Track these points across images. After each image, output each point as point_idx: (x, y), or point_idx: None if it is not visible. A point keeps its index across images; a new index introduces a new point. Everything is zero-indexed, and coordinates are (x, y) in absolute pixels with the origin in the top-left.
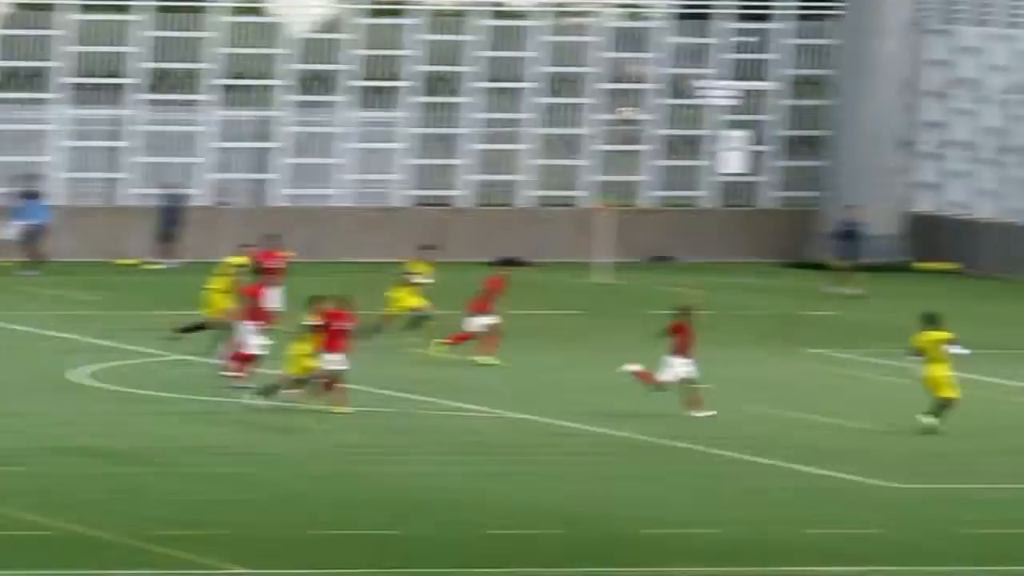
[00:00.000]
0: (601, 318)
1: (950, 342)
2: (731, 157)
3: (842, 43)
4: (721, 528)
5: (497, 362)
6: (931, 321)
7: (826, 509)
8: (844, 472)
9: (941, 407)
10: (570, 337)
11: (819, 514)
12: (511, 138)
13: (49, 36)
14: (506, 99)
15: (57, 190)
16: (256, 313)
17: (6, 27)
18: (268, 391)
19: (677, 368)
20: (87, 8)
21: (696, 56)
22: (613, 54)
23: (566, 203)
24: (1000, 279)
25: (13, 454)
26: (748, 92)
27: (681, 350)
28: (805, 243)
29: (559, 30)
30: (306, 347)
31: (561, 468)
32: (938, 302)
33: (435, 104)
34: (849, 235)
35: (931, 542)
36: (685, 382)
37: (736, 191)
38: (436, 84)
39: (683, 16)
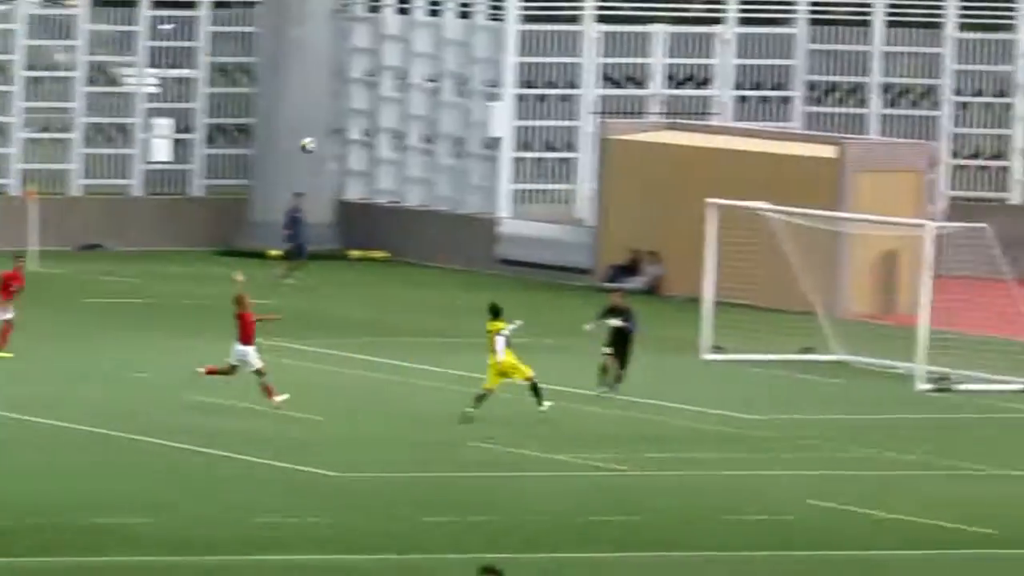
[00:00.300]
0: (32, 307)
1: (500, 332)
2: (158, 145)
3: (263, 30)
4: (164, 516)
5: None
6: (494, 312)
7: (273, 498)
8: (290, 462)
9: (480, 398)
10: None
11: (266, 502)
12: None
13: None
14: None
15: None
16: None
17: None
18: None
19: (249, 358)
20: None
21: (121, 43)
22: (35, 41)
23: None
24: (429, 267)
25: None
26: (173, 80)
27: (245, 339)
28: (236, 231)
29: None
30: None
31: (17, 461)
32: (370, 290)
33: None
34: (294, 223)
35: (371, 527)
36: (257, 371)
37: (165, 179)
38: None
39: (104, 3)
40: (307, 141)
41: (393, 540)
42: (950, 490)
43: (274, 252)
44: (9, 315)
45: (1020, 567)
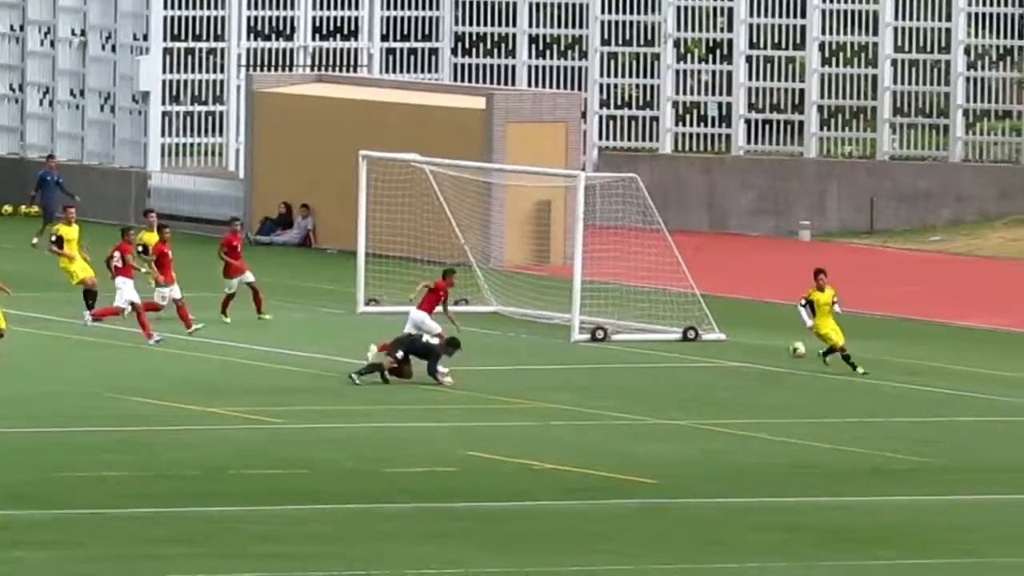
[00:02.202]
0: None
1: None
2: None
3: None
4: None
5: None
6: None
7: None
8: None
9: None
10: None
11: None
12: None
13: None
14: None
15: None
16: None
17: None
18: None
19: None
20: None
21: None
22: None
23: None
24: (81, 221)
25: None
26: None
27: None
28: None
29: None
30: None
31: None
32: (20, 246)
33: None
34: (42, 184)
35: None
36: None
37: None
38: None
39: None
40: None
41: (45, 494)
42: (608, 439)
43: None
44: None
45: (679, 515)
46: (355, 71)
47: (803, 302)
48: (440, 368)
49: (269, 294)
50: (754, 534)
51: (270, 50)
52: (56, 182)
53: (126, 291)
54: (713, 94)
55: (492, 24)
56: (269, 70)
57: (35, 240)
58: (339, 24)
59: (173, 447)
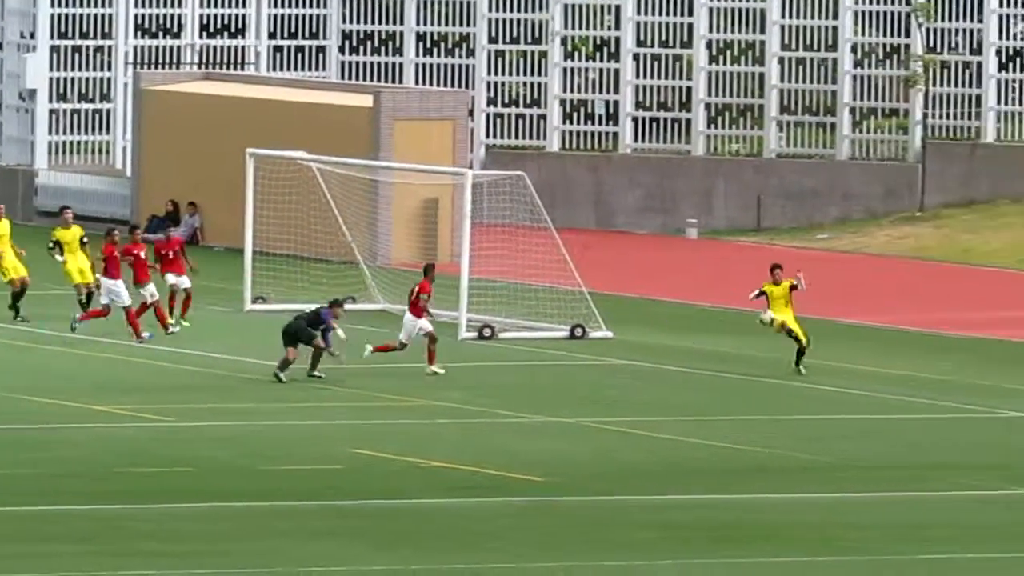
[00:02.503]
0: None
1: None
2: None
3: None
4: None
5: None
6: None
7: None
8: None
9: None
10: None
11: None
12: None
13: None
14: None
15: None
16: None
17: None
18: None
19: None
20: None
21: None
22: None
23: None
24: None
25: None
26: None
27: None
28: None
29: None
30: None
31: None
32: None
33: None
34: None
35: None
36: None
37: None
38: None
39: None
40: None
41: None
42: (495, 437)
43: None
44: None
45: (566, 513)
46: (242, 69)
47: (756, 293)
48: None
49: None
50: (641, 532)
51: (157, 48)
52: None
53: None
54: (600, 92)
55: (379, 22)
56: (156, 68)
57: None
58: (226, 22)
59: (60, 446)
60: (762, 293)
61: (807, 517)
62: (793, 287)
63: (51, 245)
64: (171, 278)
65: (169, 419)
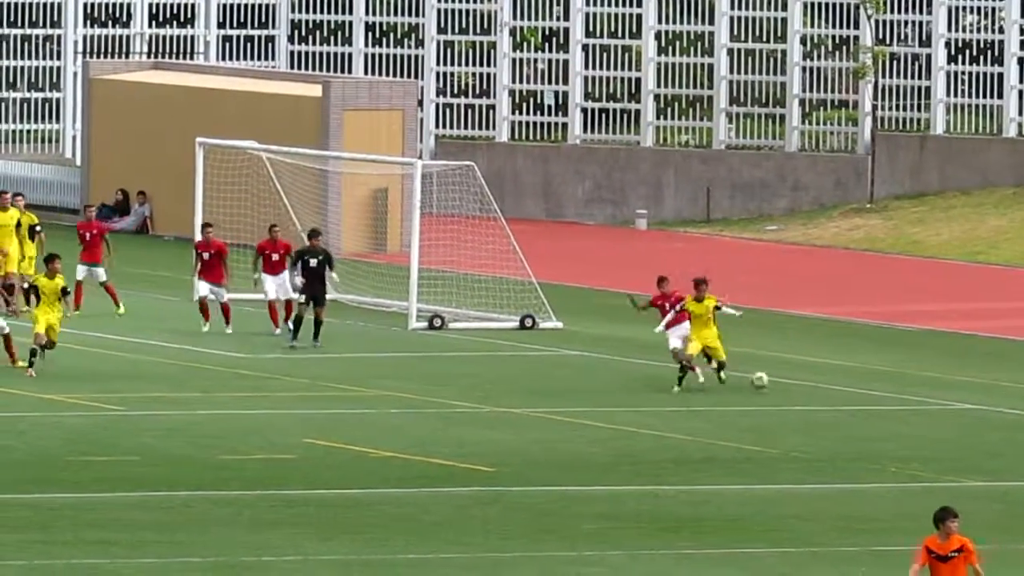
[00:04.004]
0: None
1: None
2: None
3: None
4: None
5: None
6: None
7: None
8: None
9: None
10: None
11: None
12: None
13: None
14: None
15: None
16: None
17: None
18: None
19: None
20: None
21: None
22: None
23: None
24: None
25: None
26: None
27: None
28: None
29: None
30: None
31: None
32: None
33: None
34: None
35: None
36: None
37: None
38: None
39: None
40: None
41: None
42: (445, 427)
43: None
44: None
45: (514, 503)
46: (192, 58)
47: (679, 308)
48: None
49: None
50: (590, 522)
51: (106, 37)
52: None
53: None
54: (549, 83)
55: (329, 12)
56: (106, 57)
57: None
58: (175, 11)
59: (6, 434)
60: (682, 310)
61: (754, 509)
62: (717, 308)
63: None
64: (81, 270)
65: (118, 408)
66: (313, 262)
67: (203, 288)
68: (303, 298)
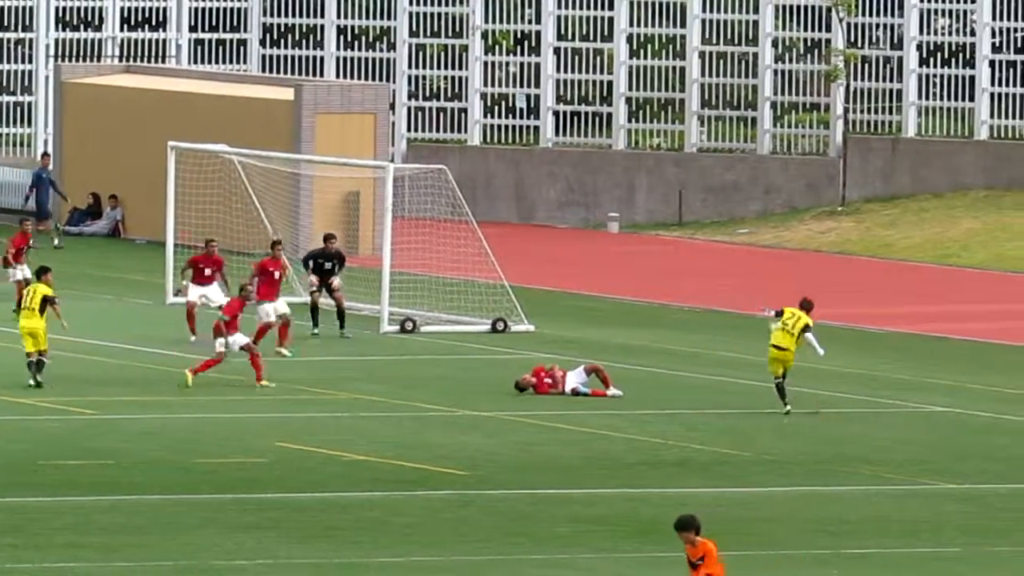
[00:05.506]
0: None
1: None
2: None
3: None
4: None
5: None
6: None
7: None
8: None
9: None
10: None
11: None
12: None
13: None
14: None
15: None
16: None
17: None
18: None
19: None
20: None
21: None
22: None
23: None
24: None
25: None
26: None
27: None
28: None
29: None
30: None
31: None
32: None
33: None
34: (39, 183)
35: None
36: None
37: None
38: None
39: None
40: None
41: None
42: (416, 431)
43: None
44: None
45: (487, 506)
46: (163, 62)
47: (778, 310)
48: None
49: (79, 285)
50: (562, 525)
51: (78, 40)
52: (50, 180)
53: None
54: (521, 86)
55: (300, 15)
56: (77, 61)
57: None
58: (147, 15)
59: None
60: (780, 312)
61: (727, 512)
62: (806, 328)
63: None
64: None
65: (90, 412)
66: (328, 265)
67: (195, 293)
68: (315, 286)
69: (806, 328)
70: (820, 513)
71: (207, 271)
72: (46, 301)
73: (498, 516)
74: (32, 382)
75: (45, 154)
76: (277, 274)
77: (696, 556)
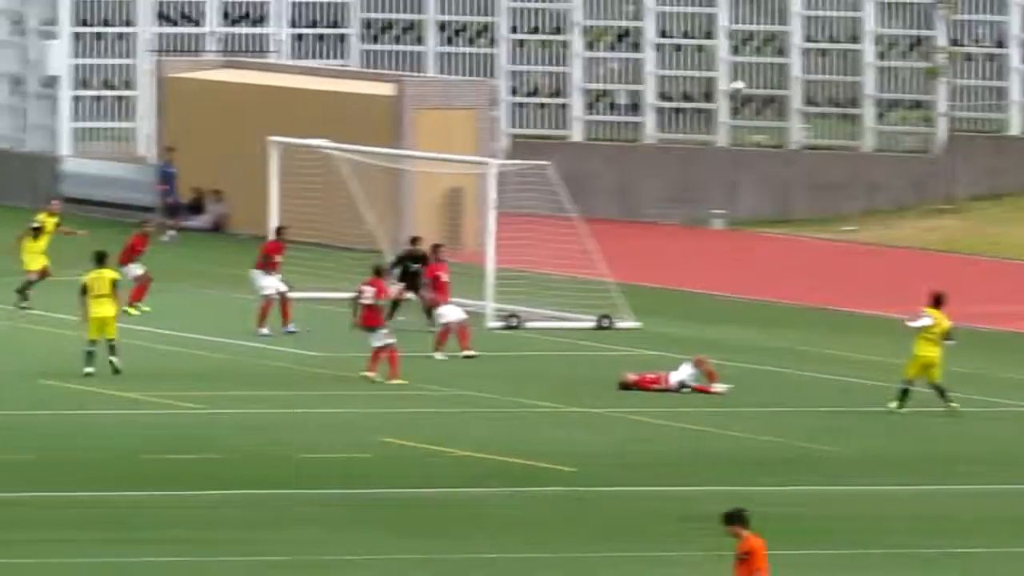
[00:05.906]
0: None
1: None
2: None
3: None
4: None
5: None
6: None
7: None
8: None
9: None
10: None
11: None
12: None
13: None
14: None
15: None
16: None
17: None
18: None
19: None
20: None
21: None
22: None
23: None
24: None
25: None
26: None
27: None
28: None
29: None
30: None
31: None
32: None
33: None
34: (167, 178)
35: None
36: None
37: None
38: None
39: None
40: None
41: None
42: (523, 427)
43: None
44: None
45: (598, 504)
46: (264, 57)
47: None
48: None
49: (181, 279)
50: (669, 522)
51: (179, 35)
52: (174, 175)
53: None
54: (622, 82)
55: (400, 11)
56: (178, 55)
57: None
58: (248, 10)
59: (86, 432)
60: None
61: (845, 510)
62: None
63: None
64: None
65: (195, 406)
66: (415, 266)
67: (272, 283)
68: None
69: (947, 336)
70: (931, 511)
71: (278, 259)
72: (115, 285)
73: (605, 513)
74: (90, 369)
75: (169, 148)
76: (445, 276)
77: (742, 550)
